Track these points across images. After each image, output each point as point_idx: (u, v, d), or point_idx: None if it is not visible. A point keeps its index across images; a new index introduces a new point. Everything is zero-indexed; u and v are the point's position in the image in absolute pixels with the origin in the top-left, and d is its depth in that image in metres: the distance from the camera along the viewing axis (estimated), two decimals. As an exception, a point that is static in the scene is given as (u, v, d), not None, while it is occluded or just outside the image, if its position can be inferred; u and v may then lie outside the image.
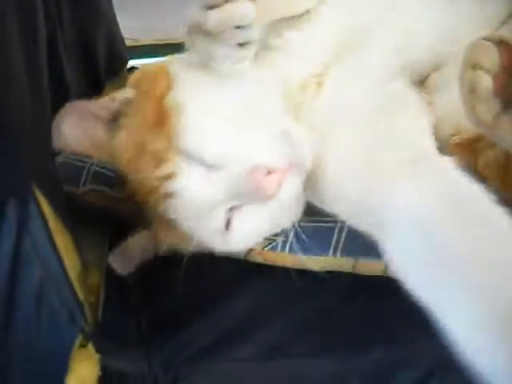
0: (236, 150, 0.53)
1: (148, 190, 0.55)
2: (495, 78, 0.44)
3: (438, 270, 0.42)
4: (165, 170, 0.53)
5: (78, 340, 0.50)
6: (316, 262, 0.56)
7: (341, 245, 0.55)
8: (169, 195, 0.54)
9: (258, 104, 0.55)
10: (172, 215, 0.55)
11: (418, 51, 0.59)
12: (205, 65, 0.54)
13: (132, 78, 0.60)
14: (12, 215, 0.46)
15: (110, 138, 0.57)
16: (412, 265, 0.44)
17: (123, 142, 0.56)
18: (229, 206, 0.54)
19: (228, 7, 0.49)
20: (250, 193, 0.52)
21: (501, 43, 0.44)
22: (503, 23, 0.59)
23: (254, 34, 0.52)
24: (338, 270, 0.55)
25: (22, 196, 0.47)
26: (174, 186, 0.53)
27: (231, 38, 0.51)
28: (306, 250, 0.56)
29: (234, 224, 0.55)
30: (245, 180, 0.52)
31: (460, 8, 0.59)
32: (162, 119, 0.54)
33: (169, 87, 0.56)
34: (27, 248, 0.46)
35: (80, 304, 0.51)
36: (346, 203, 0.52)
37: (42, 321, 0.48)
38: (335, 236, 0.56)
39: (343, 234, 0.56)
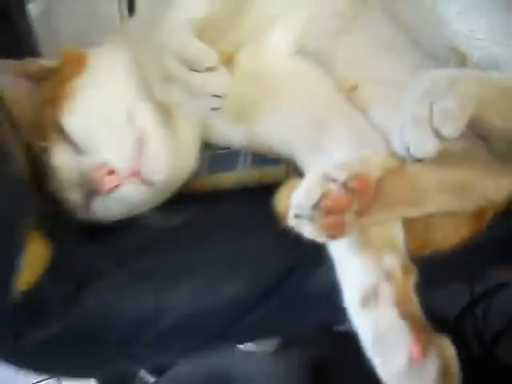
0: (97, 144, 0.61)
1: (34, 156, 0.63)
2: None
3: None
4: (43, 142, 0.62)
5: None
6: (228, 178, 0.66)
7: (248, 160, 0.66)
8: (45, 165, 0.62)
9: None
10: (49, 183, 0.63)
11: None
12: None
13: (63, 55, 0.68)
14: None
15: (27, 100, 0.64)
16: None
17: (32, 108, 0.65)
18: (86, 189, 0.62)
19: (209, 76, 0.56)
20: (93, 184, 0.60)
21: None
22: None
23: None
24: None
25: None
26: (48, 158, 0.62)
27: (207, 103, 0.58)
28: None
29: (94, 202, 0.63)
30: (91, 172, 0.60)
31: None
32: (58, 99, 0.62)
33: (76, 74, 0.64)
34: None
35: None
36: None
37: None
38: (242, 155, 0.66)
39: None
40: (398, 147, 0.52)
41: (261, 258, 0.60)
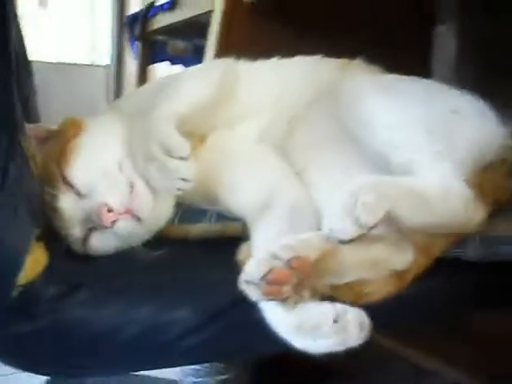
0: (96, 189, 0.77)
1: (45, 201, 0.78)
2: None
3: None
4: (52, 190, 0.78)
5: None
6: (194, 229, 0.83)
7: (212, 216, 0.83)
8: (53, 208, 0.78)
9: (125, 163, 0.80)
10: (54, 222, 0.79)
11: None
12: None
13: (64, 120, 0.86)
14: None
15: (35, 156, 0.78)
16: None
17: (39, 161, 0.80)
18: (88, 226, 0.78)
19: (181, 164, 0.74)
20: (95, 220, 0.77)
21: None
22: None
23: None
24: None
25: None
26: (56, 202, 0.78)
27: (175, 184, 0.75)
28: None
29: (91, 239, 0.79)
30: (93, 212, 0.77)
31: None
32: (62, 156, 0.79)
33: (75, 135, 0.81)
34: None
35: None
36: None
37: None
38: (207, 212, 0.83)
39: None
40: (326, 230, 0.68)
41: (211, 289, 0.73)
